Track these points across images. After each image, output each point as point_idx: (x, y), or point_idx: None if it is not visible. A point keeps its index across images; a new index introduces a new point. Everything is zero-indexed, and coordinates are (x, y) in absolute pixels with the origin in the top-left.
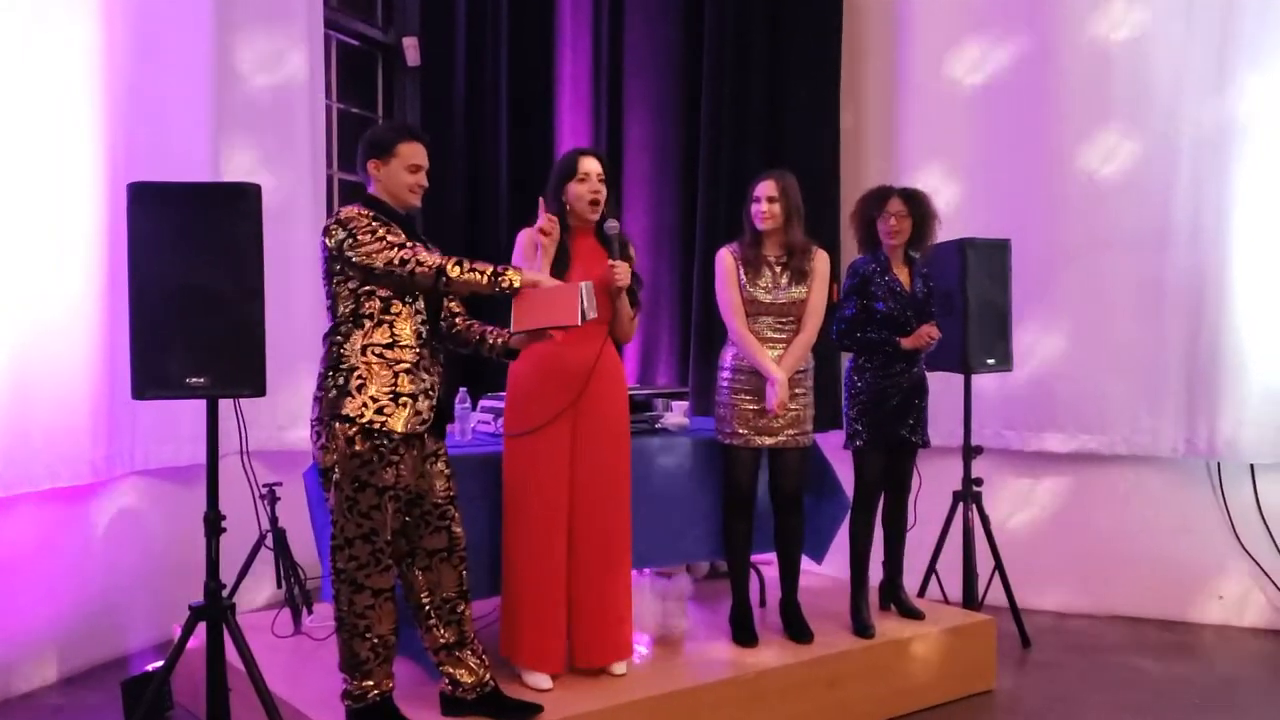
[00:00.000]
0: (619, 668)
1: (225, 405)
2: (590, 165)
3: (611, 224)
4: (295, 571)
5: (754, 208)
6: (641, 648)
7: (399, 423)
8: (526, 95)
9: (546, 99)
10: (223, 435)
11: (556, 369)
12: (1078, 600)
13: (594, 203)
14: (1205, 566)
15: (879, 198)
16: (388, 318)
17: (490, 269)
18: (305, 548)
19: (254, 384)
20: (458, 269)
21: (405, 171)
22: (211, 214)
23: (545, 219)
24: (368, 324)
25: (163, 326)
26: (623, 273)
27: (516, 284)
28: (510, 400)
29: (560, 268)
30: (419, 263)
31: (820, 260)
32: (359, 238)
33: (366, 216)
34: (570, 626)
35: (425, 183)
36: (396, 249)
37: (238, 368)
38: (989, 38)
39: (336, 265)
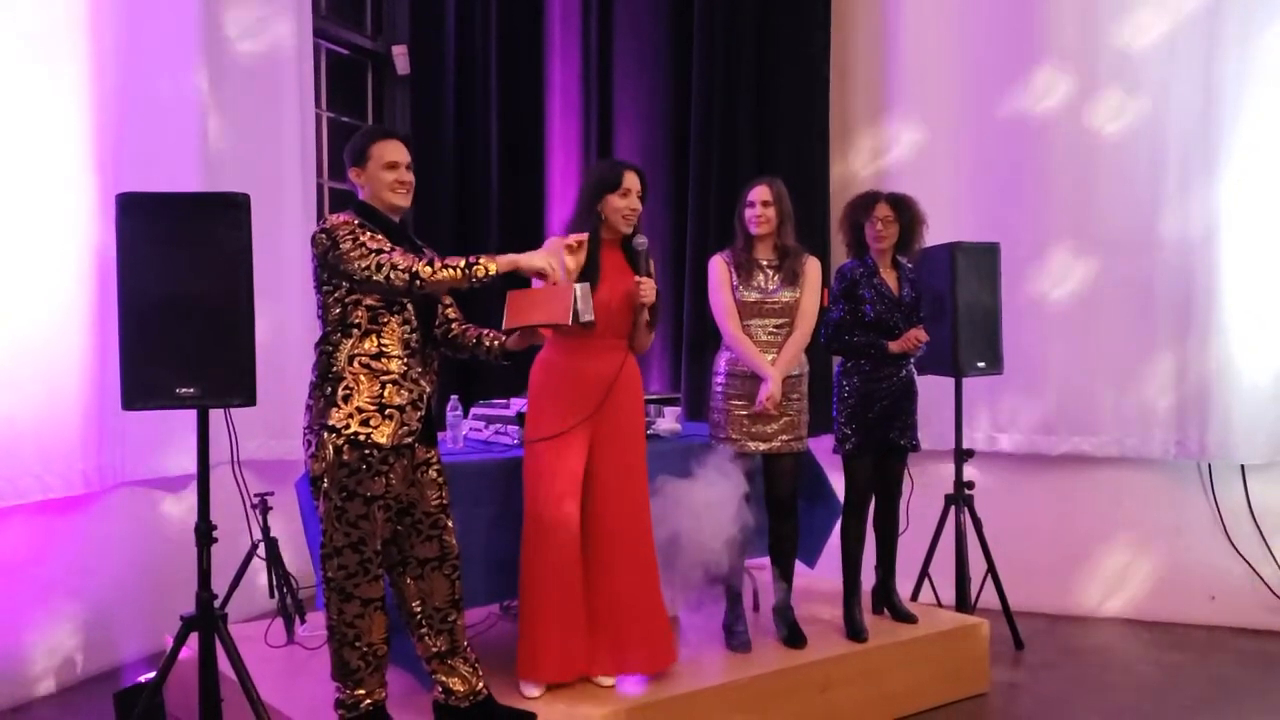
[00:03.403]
0: (606, 680)
1: (216, 415)
2: (634, 181)
3: (640, 240)
4: (287, 581)
5: (748, 212)
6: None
7: (384, 435)
8: (516, 102)
9: (536, 106)
10: (214, 445)
11: (578, 379)
12: (1070, 602)
13: (629, 219)
14: (1197, 567)
15: (866, 202)
16: (375, 327)
17: (462, 262)
18: (298, 557)
19: (244, 393)
20: (429, 269)
21: (383, 171)
22: (201, 224)
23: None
24: (356, 333)
25: (152, 337)
26: (649, 289)
27: (492, 270)
28: (532, 407)
29: (590, 280)
30: (393, 266)
31: (812, 265)
32: (341, 245)
33: (350, 224)
34: (615, 634)
35: (406, 178)
36: (372, 255)
37: (228, 377)
38: (977, 36)
39: (324, 273)
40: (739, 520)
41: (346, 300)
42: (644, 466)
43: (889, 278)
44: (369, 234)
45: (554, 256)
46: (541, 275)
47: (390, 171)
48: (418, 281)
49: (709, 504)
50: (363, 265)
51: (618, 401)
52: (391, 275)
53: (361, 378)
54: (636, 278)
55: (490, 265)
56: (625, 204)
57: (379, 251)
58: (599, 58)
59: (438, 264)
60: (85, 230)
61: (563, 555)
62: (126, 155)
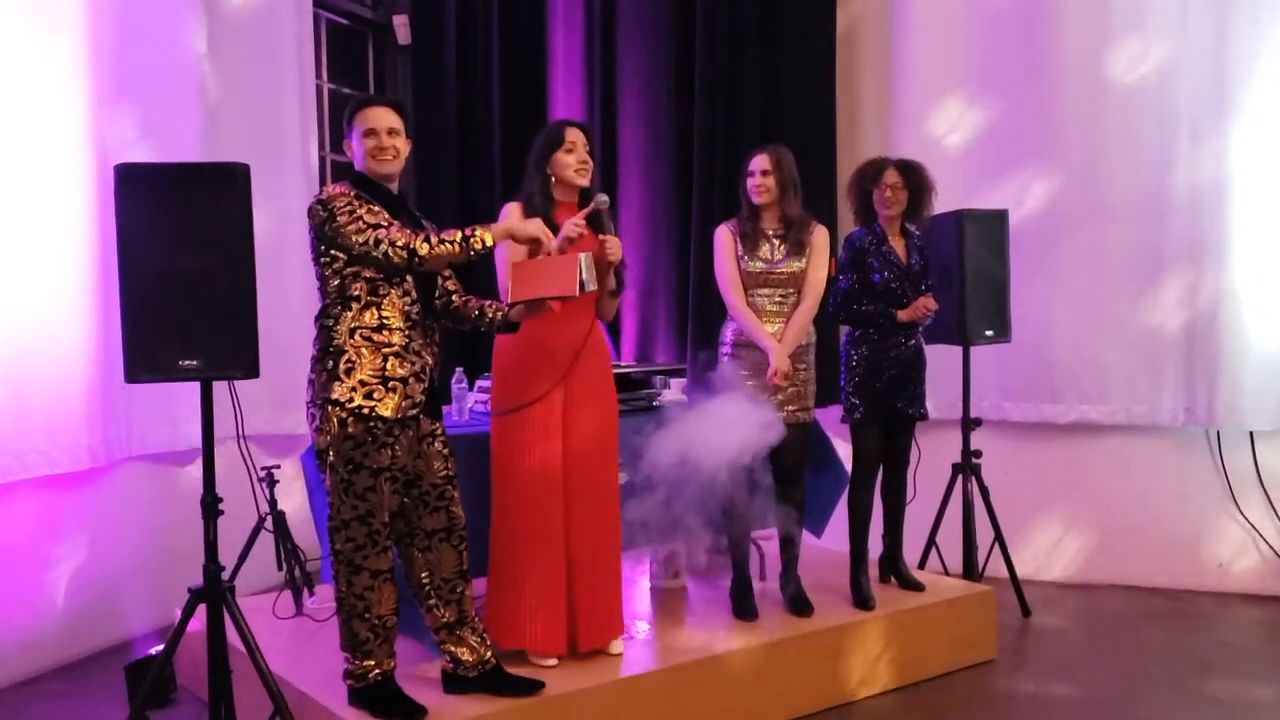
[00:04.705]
0: (616, 646)
1: (221, 388)
2: (577, 135)
3: (602, 198)
4: (295, 554)
5: (749, 182)
6: (643, 623)
7: (388, 408)
8: (518, 72)
9: (538, 75)
10: (219, 418)
11: (546, 347)
12: (1077, 570)
13: (581, 171)
14: (1205, 534)
15: (875, 169)
16: (375, 299)
17: (459, 235)
18: (305, 529)
19: (246, 365)
20: (427, 246)
21: (362, 140)
22: (200, 194)
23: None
24: (355, 306)
25: (154, 309)
26: (615, 247)
27: (489, 242)
28: (498, 378)
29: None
30: (391, 243)
31: (819, 235)
32: (337, 218)
33: (347, 196)
34: (571, 608)
35: (386, 144)
36: (369, 230)
37: (230, 349)
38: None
39: (321, 245)
40: (760, 434)
41: (345, 272)
42: (614, 430)
43: (897, 246)
44: (366, 206)
45: (535, 225)
46: (535, 243)
47: (369, 139)
48: (416, 259)
49: (730, 418)
50: (360, 240)
51: (586, 367)
52: (390, 252)
53: (363, 350)
54: (600, 237)
55: (486, 236)
56: (573, 158)
57: (376, 227)
58: (602, 25)
59: (435, 239)
60: (87, 202)
61: (550, 522)
62: (125, 126)
